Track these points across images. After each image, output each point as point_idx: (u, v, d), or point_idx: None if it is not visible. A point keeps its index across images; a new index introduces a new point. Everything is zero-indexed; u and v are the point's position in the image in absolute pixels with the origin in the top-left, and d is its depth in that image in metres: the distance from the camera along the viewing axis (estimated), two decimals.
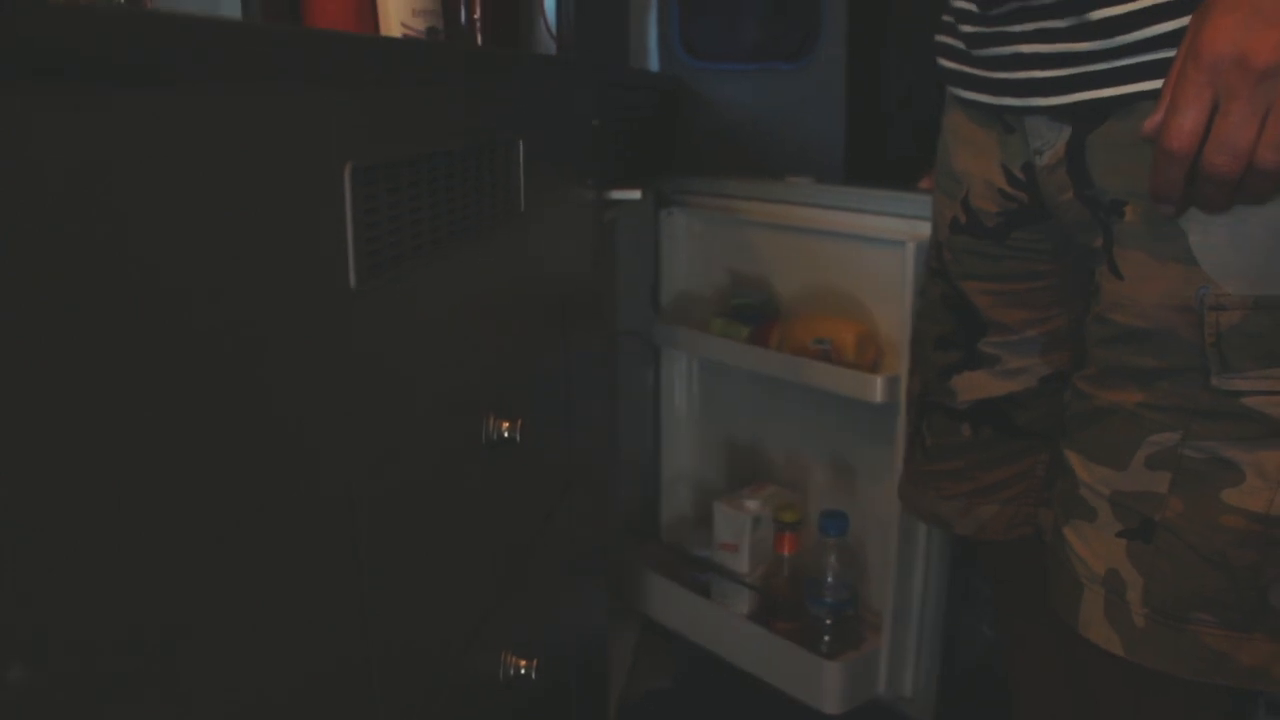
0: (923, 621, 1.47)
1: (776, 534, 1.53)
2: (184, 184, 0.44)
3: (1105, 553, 0.81)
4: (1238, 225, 0.72)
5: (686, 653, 1.64)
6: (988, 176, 0.91)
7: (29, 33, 0.34)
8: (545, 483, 1.02)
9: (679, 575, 1.65)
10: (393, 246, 0.64)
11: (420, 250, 0.68)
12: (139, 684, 0.42)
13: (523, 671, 0.87)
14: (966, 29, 0.89)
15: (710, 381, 1.75)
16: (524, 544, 0.95)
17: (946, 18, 0.94)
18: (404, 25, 0.98)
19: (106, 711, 0.40)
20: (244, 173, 0.48)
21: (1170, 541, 0.78)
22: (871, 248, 1.43)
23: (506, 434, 0.81)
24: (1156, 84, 0.73)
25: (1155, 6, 0.73)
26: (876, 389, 1.35)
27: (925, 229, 1.05)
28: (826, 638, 1.47)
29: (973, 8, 0.86)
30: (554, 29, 1.30)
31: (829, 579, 1.47)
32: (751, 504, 1.56)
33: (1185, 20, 0.71)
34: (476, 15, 1.12)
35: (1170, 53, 0.72)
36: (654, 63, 1.78)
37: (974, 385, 0.99)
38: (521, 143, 0.88)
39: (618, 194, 1.25)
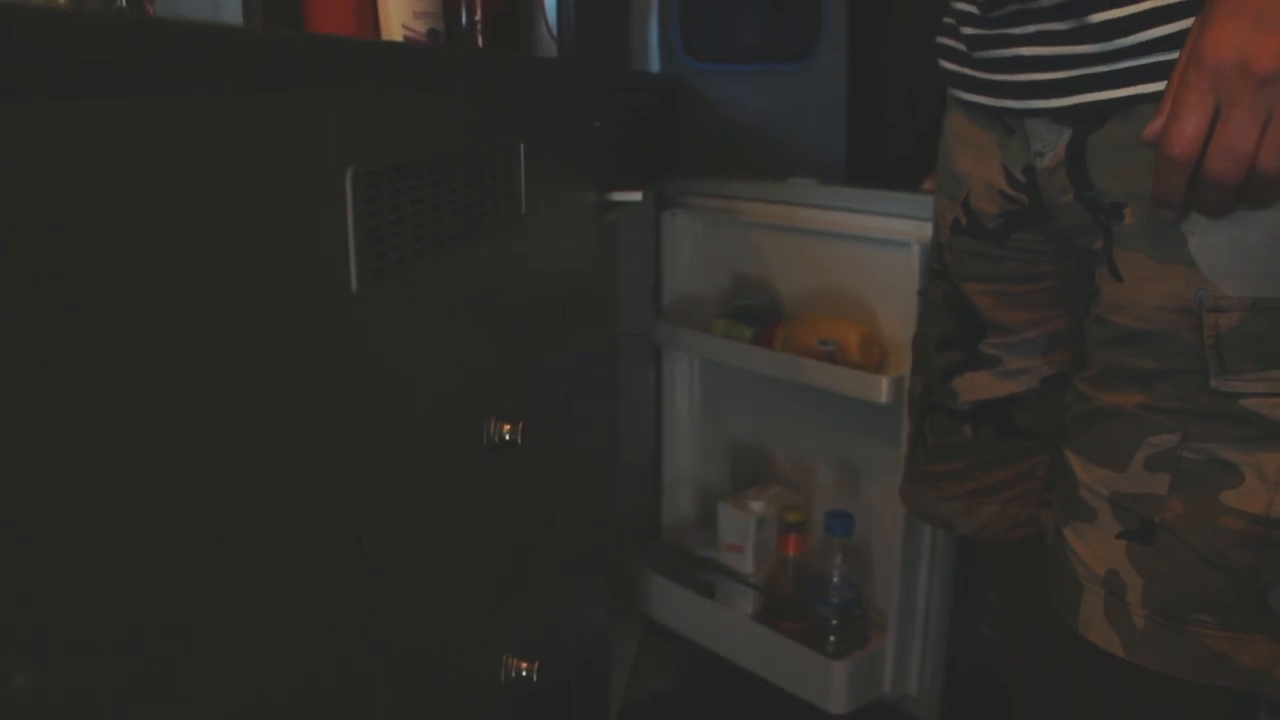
0: (928, 621, 1.47)
1: (781, 535, 1.54)
2: (186, 188, 0.44)
3: (1105, 554, 0.81)
4: (1238, 229, 0.72)
5: (687, 654, 1.64)
6: (988, 178, 0.92)
7: (32, 40, 0.34)
8: (546, 484, 1.03)
9: (682, 576, 1.65)
10: (394, 250, 0.64)
11: (421, 253, 0.68)
12: (139, 684, 0.42)
13: (523, 674, 0.88)
14: (967, 31, 0.89)
15: (712, 382, 1.76)
16: (524, 545, 0.95)
17: (948, 20, 0.94)
18: (405, 27, 0.99)
19: (106, 711, 0.40)
20: (246, 177, 0.48)
21: (1170, 543, 0.78)
22: (876, 249, 1.43)
23: (508, 436, 0.81)
24: (1157, 86, 0.73)
25: (1155, 9, 0.73)
26: (882, 389, 1.35)
27: (930, 230, 1.06)
28: (832, 638, 1.47)
29: (973, 10, 0.87)
30: (555, 30, 1.30)
31: (835, 579, 1.47)
32: (756, 505, 1.56)
33: (1185, 23, 0.71)
34: (477, 17, 1.12)
35: (1170, 55, 0.72)
36: (655, 64, 1.78)
37: (975, 386, 1.00)
38: (522, 145, 0.88)
39: (619, 196, 1.25)
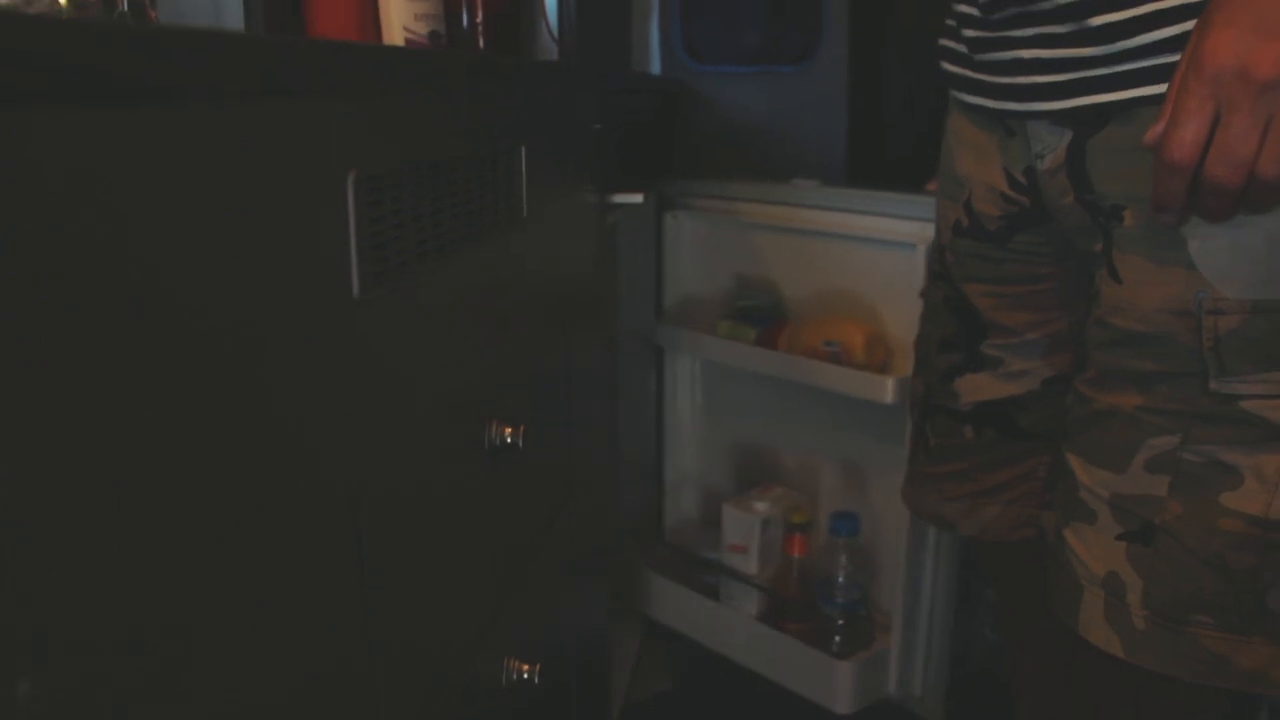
0: (932, 621, 1.47)
1: (786, 535, 1.54)
2: (188, 193, 0.44)
3: (1105, 555, 0.82)
4: (1237, 232, 0.72)
5: (688, 654, 1.64)
6: (990, 180, 0.92)
7: (36, 48, 0.34)
8: (546, 485, 1.03)
9: (685, 577, 1.65)
10: (395, 254, 0.64)
11: (423, 257, 0.69)
12: (139, 684, 0.42)
13: (524, 675, 0.88)
14: (968, 33, 0.89)
15: (714, 384, 1.76)
16: (524, 545, 0.96)
17: (949, 22, 0.94)
18: (406, 30, 0.99)
19: (106, 711, 0.40)
20: (248, 183, 0.49)
21: (1169, 544, 0.78)
22: (881, 250, 1.43)
23: (509, 439, 0.82)
24: (1157, 89, 0.73)
25: (1156, 12, 0.73)
26: (888, 390, 1.35)
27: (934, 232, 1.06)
28: (837, 638, 1.47)
29: (975, 12, 0.87)
30: (555, 32, 1.31)
31: (840, 579, 1.48)
32: (761, 505, 1.56)
33: (1186, 26, 0.71)
34: (478, 19, 1.13)
35: (1171, 58, 0.72)
36: (655, 65, 1.78)
37: (976, 387, 1.00)
38: (524, 148, 0.88)
39: (620, 198, 1.25)
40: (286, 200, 0.52)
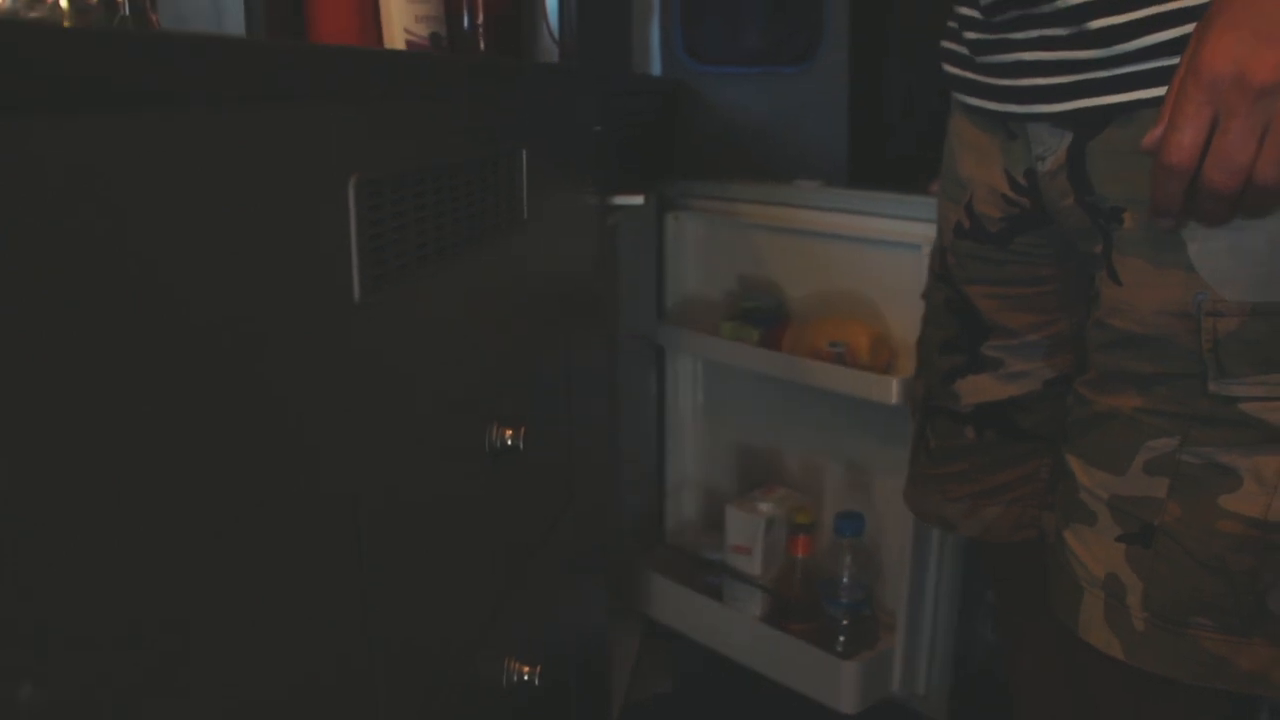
0: (936, 620, 1.48)
1: (790, 536, 1.54)
2: (190, 198, 0.44)
3: (1105, 557, 0.82)
4: (1238, 234, 0.72)
5: (688, 655, 1.64)
6: (991, 182, 0.92)
7: (34, 54, 0.34)
8: (547, 486, 1.03)
9: (687, 578, 1.65)
10: (396, 257, 0.64)
11: (424, 260, 0.69)
12: (139, 680, 0.42)
13: (524, 675, 0.88)
14: (970, 36, 0.89)
15: (715, 385, 1.76)
16: (525, 545, 0.96)
17: (951, 24, 0.94)
18: (407, 32, 0.99)
19: (106, 708, 0.41)
20: (249, 187, 0.49)
21: (1169, 546, 0.78)
22: (885, 251, 1.44)
23: (510, 441, 0.82)
24: (1157, 91, 0.73)
25: (1156, 15, 0.73)
26: (893, 390, 1.35)
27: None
28: (842, 638, 1.47)
29: (976, 15, 0.87)
30: (556, 33, 1.31)
31: (845, 579, 1.48)
32: (764, 506, 1.56)
33: (1186, 29, 0.71)
34: (479, 21, 1.13)
35: (1171, 61, 0.72)
36: (656, 66, 1.78)
37: (977, 389, 1.00)
38: (525, 151, 0.88)
39: (621, 199, 1.25)
40: (287, 205, 0.53)
